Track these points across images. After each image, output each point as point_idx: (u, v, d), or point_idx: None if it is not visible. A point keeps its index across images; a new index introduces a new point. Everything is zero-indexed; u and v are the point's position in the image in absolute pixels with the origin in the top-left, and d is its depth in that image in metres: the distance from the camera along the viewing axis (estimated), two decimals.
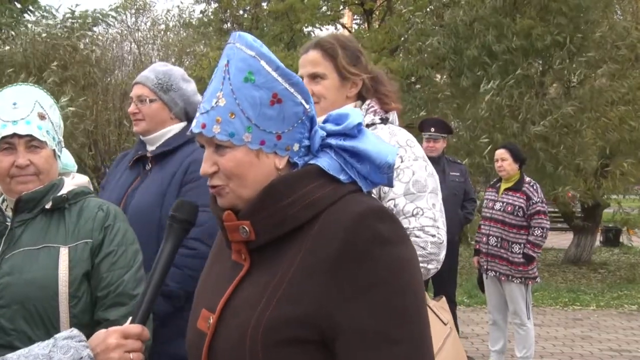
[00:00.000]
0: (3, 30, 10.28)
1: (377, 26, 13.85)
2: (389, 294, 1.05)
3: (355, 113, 1.19)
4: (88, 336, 1.32)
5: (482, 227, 5.21)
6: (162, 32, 11.74)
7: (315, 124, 1.18)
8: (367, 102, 2.09)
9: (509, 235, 4.97)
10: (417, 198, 1.94)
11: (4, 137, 1.71)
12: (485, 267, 5.12)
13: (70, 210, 1.77)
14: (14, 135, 1.70)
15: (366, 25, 15.35)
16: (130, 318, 1.32)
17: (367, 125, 2.04)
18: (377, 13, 15.34)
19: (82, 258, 1.71)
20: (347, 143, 1.15)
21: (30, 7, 12.88)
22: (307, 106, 1.15)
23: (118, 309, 1.70)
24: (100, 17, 11.28)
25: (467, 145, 8.88)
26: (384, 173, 1.17)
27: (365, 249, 1.06)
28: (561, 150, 8.58)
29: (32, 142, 1.73)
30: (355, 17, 17.17)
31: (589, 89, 8.75)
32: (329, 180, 1.14)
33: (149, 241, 2.21)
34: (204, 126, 1.13)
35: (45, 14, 11.56)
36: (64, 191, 1.78)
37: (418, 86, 9.82)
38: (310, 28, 14.55)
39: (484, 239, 5.13)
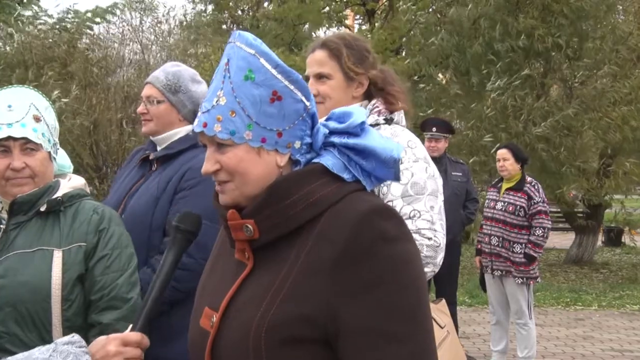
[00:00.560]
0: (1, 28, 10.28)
1: (378, 26, 13.84)
2: (393, 291, 1.05)
3: (358, 111, 1.19)
4: None
5: (484, 227, 5.21)
6: (165, 33, 11.74)
7: (317, 122, 1.18)
8: (373, 101, 2.08)
9: (510, 235, 4.96)
10: (414, 200, 1.93)
11: None
12: (489, 267, 5.11)
13: (66, 213, 1.77)
14: (9, 138, 1.70)
15: (368, 25, 15.34)
16: (130, 326, 1.32)
17: (371, 126, 2.03)
18: (379, 13, 15.33)
19: (76, 261, 1.70)
20: (351, 141, 1.16)
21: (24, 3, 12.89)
22: (307, 103, 1.15)
23: (111, 312, 1.70)
24: (99, 14, 11.28)
25: (472, 144, 8.87)
26: (390, 167, 1.16)
27: (369, 247, 1.06)
28: (562, 151, 8.58)
29: (27, 145, 1.72)
30: (357, 17, 17.15)
31: (592, 89, 8.74)
32: (332, 179, 1.14)
33: (141, 243, 2.18)
34: (205, 125, 1.14)
35: (39, 13, 11.56)
36: (59, 194, 1.77)
37: (422, 85, 9.81)
38: (316, 32, 14.56)
39: (486, 238, 5.13)
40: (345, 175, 1.15)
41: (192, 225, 1.35)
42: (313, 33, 14.70)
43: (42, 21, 10.83)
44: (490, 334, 5.52)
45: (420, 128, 5.79)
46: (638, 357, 5.97)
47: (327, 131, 1.17)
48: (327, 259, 1.07)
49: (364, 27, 16.20)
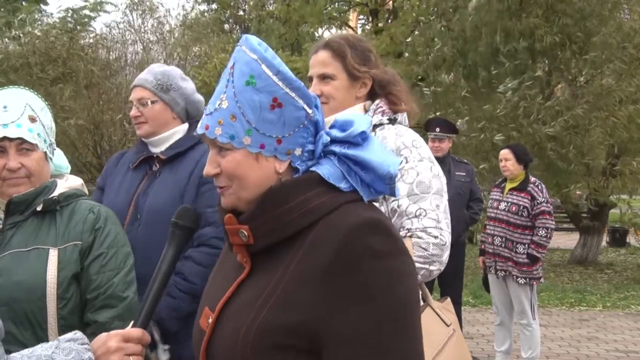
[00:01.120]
0: (4, 29, 10.32)
1: (381, 26, 13.83)
2: (379, 308, 1.04)
3: (361, 120, 1.18)
4: None
5: (487, 227, 5.20)
6: (167, 33, 11.75)
7: (320, 129, 1.17)
8: (376, 102, 2.08)
9: (513, 236, 4.95)
10: (420, 199, 1.93)
11: None
12: (493, 267, 5.10)
13: (62, 213, 1.77)
14: (5, 138, 1.70)
15: (371, 25, 15.34)
16: (131, 322, 1.34)
17: (375, 126, 2.03)
18: (382, 13, 15.32)
19: (71, 260, 1.71)
20: (351, 152, 1.15)
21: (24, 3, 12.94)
22: (309, 111, 1.15)
23: (107, 311, 1.70)
24: (95, 9, 11.28)
25: (482, 145, 8.88)
26: (387, 184, 1.16)
27: (356, 262, 1.05)
28: (571, 150, 8.57)
29: (23, 145, 1.73)
30: (360, 17, 17.15)
31: (598, 87, 8.73)
32: (328, 188, 1.13)
33: (166, 239, 2.21)
34: (207, 127, 1.15)
35: (42, 13, 11.59)
36: (55, 193, 1.78)
37: (425, 88, 9.81)
38: (317, 31, 14.59)
39: (490, 239, 5.11)
40: (342, 185, 1.14)
41: (190, 222, 1.36)
42: (316, 33, 14.71)
43: (46, 22, 10.86)
44: (494, 335, 5.50)
45: (423, 128, 5.78)
46: None
47: (329, 139, 1.16)
48: (318, 268, 1.06)
49: (367, 27, 16.20)
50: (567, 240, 14.28)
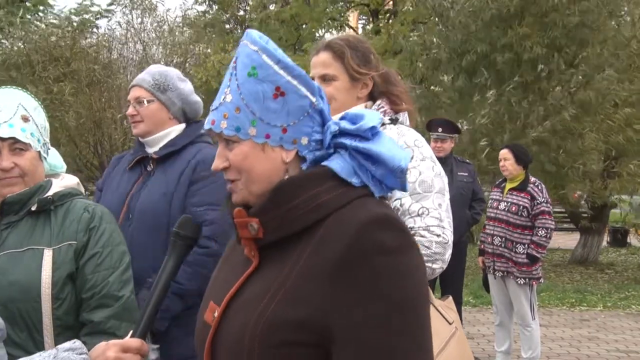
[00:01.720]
0: (8, 29, 10.32)
1: (382, 26, 13.84)
2: (389, 305, 1.04)
3: (371, 115, 1.17)
4: (73, 338, 1.34)
5: (487, 227, 5.19)
6: (166, 33, 11.76)
7: (327, 119, 1.17)
8: (378, 102, 2.09)
9: (513, 236, 4.94)
10: (422, 198, 1.94)
11: None
12: (491, 267, 5.10)
13: (57, 212, 1.76)
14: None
15: (371, 25, 15.35)
16: (130, 332, 1.33)
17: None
18: (382, 13, 15.32)
19: (66, 260, 1.70)
20: (361, 145, 1.14)
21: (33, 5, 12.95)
22: (313, 99, 1.14)
23: (103, 311, 1.69)
24: (103, 12, 11.31)
25: (465, 149, 8.95)
26: (397, 177, 1.15)
27: (367, 257, 1.04)
28: (560, 154, 8.61)
29: (15, 145, 1.72)
30: (360, 17, 17.16)
31: (594, 90, 8.74)
32: (339, 183, 1.13)
33: (156, 241, 2.22)
34: (213, 122, 1.15)
35: (48, 12, 11.61)
36: (50, 193, 1.77)
37: (418, 90, 9.84)
38: (318, 32, 14.60)
39: (489, 239, 5.11)
40: (354, 180, 1.14)
41: (191, 232, 1.36)
42: (317, 34, 14.72)
43: (50, 21, 10.87)
44: (494, 335, 5.50)
45: (425, 128, 5.78)
46: None
47: (337, 128, 1.16)
48: (327, 263, 1.06)
49: (368, 28, 16.20)
50: (567, 240, 14.27)
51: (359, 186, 1.14)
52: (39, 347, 1.64)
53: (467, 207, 5.60)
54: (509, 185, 5.09)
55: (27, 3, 12.44)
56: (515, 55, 8.87)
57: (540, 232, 4.86)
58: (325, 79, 2.03)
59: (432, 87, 10.06)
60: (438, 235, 1.91)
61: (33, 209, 1.74)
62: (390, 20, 14.25)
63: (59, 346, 1.29)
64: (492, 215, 5.10)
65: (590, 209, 11.24)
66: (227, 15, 17.05)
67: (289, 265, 1.10)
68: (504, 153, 5.10)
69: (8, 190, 1.74)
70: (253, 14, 15.70)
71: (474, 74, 9.04)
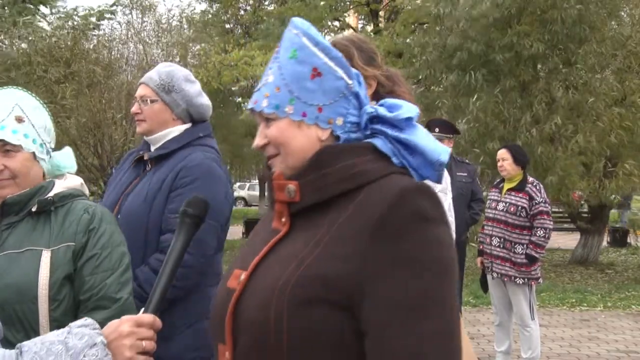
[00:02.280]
0: (12, 30, 10.32)
1: (382, 27, 13.83)
2: (425, 270, 1.06)
3: (409, 107, 1.22)
4: None
5: (485, 227, 5.18)
6: (166, 32, 11.75)
7: (364, 103, 1.21)
8: (381, 102, 2.08)
9: (511, 236, 4.94)
10: None
11: None
12: (489, 268, 5.10)
13: (57, 213, 1.75)
14: None
15: (372, 26, 15.34)
16: (143, 308, 1.34)
17: None
18: (382, 14, 15.32)
19: (64, 261, 1.69)
20: (403, 135, 1.19)
21: (43, 6, 12.95)
22: (349, 82, 1.19)
23: (100, 312, 1.68)
24: (105, 14, 11.31)
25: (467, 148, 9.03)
26: (435, 170, 1.20)
27: (405, 223, 1.07)
28: (541, 160, 8.68)
29: (5, 147, 1.71)
30: (360, 17, 17.15)
31: (589, 92, 8.77)
32: (380, 157, 1.18)
33: (138, 244, 2.20)
34: (255, 102, 1.22)
35: (59, 13, 11.62)
36: (51, 194, 1.76)
37: (418, 90, 9.87)
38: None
39: (487, 239, 5.10)
40: (394, 159, 1.19)
41: (199, 210, 1.39)
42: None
43: (55, 22, 10.87)
44: (494, 335, 5.50)
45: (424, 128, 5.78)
46: None
47: (373, 111, 1.20)
48: (364, 228, 1.08)
49: (368, 28, 16.19)
50: (567, 240, 14.27)
51: (398, 165, 1.19)
52: None
53: (466, 208, 5.60)
54: (507, 186, 5.08)
55: (29, 5, 12.45)
56: (515, 54, 8.87)
57: (538, 232, 4.85)
58: None
59: (432, 87, 10.05)
60: None
61: (33, 209, 1.73)
62: (392, 21, 14.24)
63: (72, 324, 1.31)
64: (491, 215, 5.10)
65: (589, 211, 11.25)
66: (228, 15, 17.04)
67: (324, 228, 1.13)
68: (502, 153, 5.10)
69: (0, 192, 1.73)
70: (250, 13, 15.70)
71: (465, 71, 9.05)
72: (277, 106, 1.18)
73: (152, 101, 2.38)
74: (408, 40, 10.84)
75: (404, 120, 1.19)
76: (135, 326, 1.29)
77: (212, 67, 11.36)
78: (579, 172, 9.04)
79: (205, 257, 2.27)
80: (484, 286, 5.37)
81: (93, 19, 11.11)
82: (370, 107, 1.21)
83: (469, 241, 10.25)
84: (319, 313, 1.07)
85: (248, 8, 16.64)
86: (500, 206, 5.03)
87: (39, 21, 11.23)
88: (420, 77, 10.43)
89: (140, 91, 2.41)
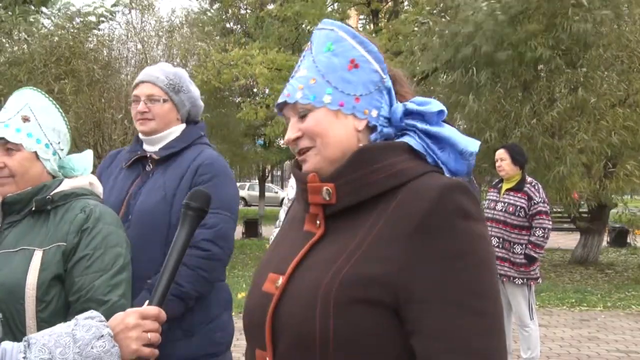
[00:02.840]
0: (13, 32, 10.32)
1: (382, 26, 13.83)
2: (468, 266, 1.07)
3: (436, 103, 1.22)
4: None
5: None
6: (167, 32, 11.75)
7: (394, 99, 1.22)
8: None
9: (510, 236, 4.93)
10: None
11: None
12: None
13: (57, 212, 1.74)
14: None
15: (372, 25, 15.34)
16: (147, 301, 1.35)
17: None
18: (383, 13, 15.32)
19: (53, 261, 1.67)
20: (433, 128, 1.19)
21: (45, 7, 12.95)
22: (384, 76, 1.20)
23: None
24: (107, 14, 11.31)
25: None
26: (466, 159, 1.20)
27: (449, 220, 1.08)
28: (544, 154, 8.67)
29: (7, 145, 1.72)
30: (360, 17, 17.15)
31: (592, 92, 8.78)
32: (415, 157, 1.18)
33: (157, 242, 2.22)
34: (288, 95, 1.20)
35: (59, 13, 11.60)
36: (54, 193, 1.76)
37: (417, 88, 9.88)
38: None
39: None
40: (427, 158, 1.19)
41: (202, 203, 1.39)
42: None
43: (57, 22, 10.86)
44: None
45: None
46: None
47: (405, 108, 1.20)
48: (405, 228, 1.08)
49: (368, 28, 16.19)
50: (567, 240, 14.28)
51: (432, 164, 1.20)
52: None
53: None
54: (505, 186, 5.07)
55: (31, 6, 12.43)
56: (518, 54, 8.88)
57: (537, 232, 4.85)
58: None
59: (432, 88, 10.05)
60: None
61: (33, 209, 1.73)
62: (390, 20, 14.24)
63: (78, 316, 1.32)
64: (489, 215, 5.09)
65: (589, 211, 11.25)
66: (228, 14, 17.05)
67: (364, 229, 1.12)
68: (501, 153, 5.08)
69: (0, 190, 1.74)
70: (250, 12, 15.69)
71: (468, 70, 9.05)
72: (314, 97, 1.18)
73: (164, 100, 2.37)
74: (415, 29, 10.78)
75: (435, 113, 1.20)
76: (141, 318, 1.31)
77: (212, 66, 11.36)
78: (579, 172, 9.03)
79: (231, 250, 2.33)
80: None
81: (92, 18, 11.09)
82: (402, 105, 1.21)
83: None
84: (364, 314, 1.07)
85: (248, 10, 16.63)
86: (499, 206, 5.02)
87: (42, 19, 11.23)
88: (419, 73, 10.43)
89: (147, 90, 2.38)
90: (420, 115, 1.20)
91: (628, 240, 14.49)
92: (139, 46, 11.19)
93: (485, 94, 8.86)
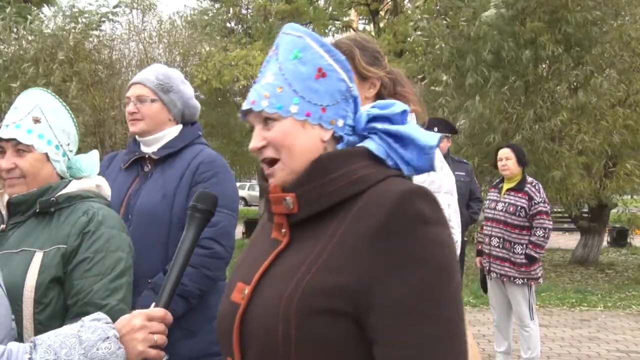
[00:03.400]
0: (14, 29, 10.32)
1: (382, 26, 13.85)
2: (428, 272, 1.06)
3: (400, 104, 1.22)
4: None
5: (485, 227, 5.17)
6: (168, 33, 11.75)
7: (359, 107, 1.22)
8: (373, 105, 2.07)
9: (511, 236, 4.93)
10: None
11: None
12: (487, 268, 5.09)
13: (61, 214, 1.74)
14: (1, 139, 1.72)
15: (372, 25, 15.35)
16: (154, 302, 1.35)
17: None
18: (382, 14, 15.33)
19: (52, 263, 1.66)
20: (393, 127, 1.19)
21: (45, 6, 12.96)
22: (350, 84, 1.20)
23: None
24: (109, 15, 11.32)
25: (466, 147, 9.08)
26: (427, 154, 1.19)
27: (407, 226, 1.07)
28: (544, 157, 8.67)
29: (19, 146, 1.72)
30: (360, 17, 17.15)
31: (593, 91, 8.78)
32: (375, 162, 1.17)
33: (158, 241, 2.23)
34: (253, 102, 1.19)
35: (60, 10, 11.61)
36: (59, 194, 1.75)
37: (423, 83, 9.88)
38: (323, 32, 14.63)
39: (487, 239, 5.09)
40: (388, 161, 1.18)
41: (209, 204, 1.39)
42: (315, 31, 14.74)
43: (56, 20, 10.87)
44: (494, 335, 5.50)
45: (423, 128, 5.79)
46: None
47: (371, 115, 1.20)
48: (365, 235, 1.08)
49: (367, 28, 16.20)
50: (568, 241, 14.28)
51: (393, 167, 1.19)
52: None
53: (464, 207, 5.59)
54: (506, 186, 5.07)
55: (32, 6, 12.44)
56: (533, 51, 8.89)
57: (538, 232, 4.84)
58: None
59: (432, 87, 10.05)
60: None
61: (37, 210, 1.73)
62: (394, 19, 14.23)
63: (84, 318, 1.32)
64: (490, 215, 5.09)
65: (589, 211, 11.25)
66: (230, 14, 17.04)
67: (326, 237, 1.12)
68: (506, 152, 5.06)
69: (10, 190, 1.74)
70: (254, 12, 15.69)
71: (476, 71, 9.06)
72: (280, 107, 1.16)
73: (152, 100, 2.38)
74: (414, 37, 10.77)
75: (399, 114, 1.20)
76: (147, 320, 1.31)
77: (213, 66, 11.36)
78: (577, 174, 9.04)
79: (233, 248, 2.33)
80: (484, 286, 5.37)
81: (95, 18, 11.10)
82: (366, 112, 1.20)
83: (472, 240, 10.31)
84: (326, 324, 1.07)
85: (249, 10, 16.63)
86: (500, 206, 5.01)
87: (43, 20, 11.24)
88: (424, 74, 10.42)
89: (137, 91, 2.41)
90: (386, 119, 1.20)
91: (628, 240, 14.49)
92: (140, 46, 11.19)
93: (491, 95, 8.85)
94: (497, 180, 5.39)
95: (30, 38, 9.88)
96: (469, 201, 5.73)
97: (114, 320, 1.34)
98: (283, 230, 1.18)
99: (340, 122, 1.19)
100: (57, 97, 1.84)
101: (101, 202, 1.83)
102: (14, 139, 1.71)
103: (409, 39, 11.69)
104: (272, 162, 1.19)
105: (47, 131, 1.76)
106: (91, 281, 1.66)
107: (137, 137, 2.46)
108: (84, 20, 10.85)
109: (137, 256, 1.97)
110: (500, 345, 5.22)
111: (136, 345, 1.29)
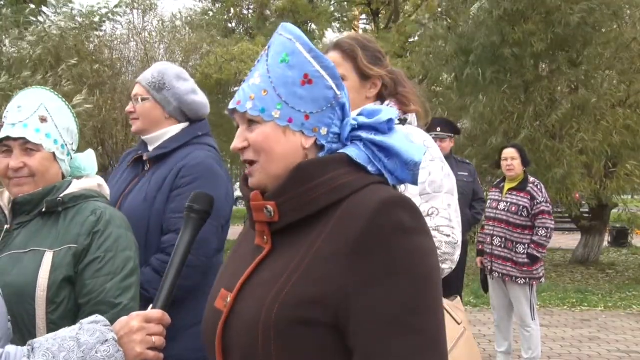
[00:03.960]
0: (17, 29, 10.31)
1: (383, 26, 13.85)
2: (406, 283, 1.05)
3: (388, 110, 1.21)
4: None
5: (486, 227, 5.18)
6: (168, 33, 11.74)
7: (347, 114, 1.20)
8: (386, 102, 2.08)
9: (513, 236, 4.93)
10: (432, 198, 1.95)
11: (1, 140, 1.72)
12: (489, 268, 5.09)
13: (67, 214, 1.74)
14: (9, 138, 1.71)
15: (373, 25, 15.35)
16: (151, 305, 1.35)
17: None
18: (383, 13, 15.34)
19: (64, 263, 1.67)
20: (378, 138, 1.18)
21: (45, 6, 12.96)
22: (338, 92, 1.18)
23: None
24: (110, 15, 11.32)
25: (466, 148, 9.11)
26: (410, 170, 1.18)
27: (386, 236, 1.07)
28: (545, 156, 8.67)
29: (27, 145, 1.72)
30: (361, 17, 17.16)
31: (593, 91, 8.80)
32: (356, 169, 1.16)
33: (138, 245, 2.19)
34: (238, 103, 1.19)
35: (61, 10, 11.60)
36: (64, 194, 1.75)
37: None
38: (324, 31, 14.62)
39: (488, 239, 5.10)
40: (369, 167, 1.17)
41: (205, 205, 1.39)
42: (317, 33, 14.72)
43: (58, 20, 10.86)
44: (495, 335, 5.50)
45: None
46: None
47: (356, 124, 1.19)
48: (346, 242, 1.07)
49: (368, 28, 16.20)
50: (568, 241, 14.28)
51: (375, 174, 1.17)
52: None
53: (467, 207, 5.60)
54: (508, 186, 5.07)
55: (31, 5, 12.43)
56: (520, 49, 8.92)
57: (540, 231, 4.85)
58: None
59: (432, 87, 10.07)
60: (448, 236, 1.92)
61: (43, 210, 1.73)
62: (392, 21, 14.24)
63: (82, 320, 1.32)
64: (492, 215, 5.09)
65: (590, 211, 11.26)
66: (230, 14, 17.04)
67: (306, 246, 1.12)
68: (511, 152, 5.06)
69: (18, 190, 1.74)
70: (254, 11, 15.67)
71: (476, 67, 9.08)
72: (263, 109, 1.16)
73: (143, 99, 2.37)
74: (415, 38, 10.85)
75: (385, 123, 1.18)
76: (145, 322, 1.31)
77: (215, 60, 11.33)
78: (578, 173, 9.05)
79: (207, 257, 2.26)
80: (485, 286, 5.37)
81: (96, 19, 11.10)
82: (353, 120, 1.20)
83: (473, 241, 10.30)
84: (306, 334, 1.07)
85: (250, 10, 16.62)
86: (502, 206, 5.02)
87: (42, 22, 11.24)
88: (424, 73, 10.43)
89: (135, 90, 2.41)
90: (372, 128, 1.19)
91: (629, 240, 14.49)
92: (141, 46, 11.19)
93: (493, 92, 8.86)
94: (498, 180, 5.40)
95: (31, 39, 9.87)
96: (472, 202, 5.73)
97: (120, 318, 1.35)
98: (265, 237, 1.18)
99: (323, 130, 1.17)
100: (59, 95, 1.84)
101: (104, 202, 1.84)
102: (23, 138, 1.71)
103: (409, 39, 11.72)
104: (252, 162, 1.19)
105: (54, 130, 1.76)
106: (103, 280, 1.67)
107: (141, 136, 2.44)
108: (83, 20, 10.86)
109: None
110: (501, 345, 5.22)
111: (134, 347, 1.29)
